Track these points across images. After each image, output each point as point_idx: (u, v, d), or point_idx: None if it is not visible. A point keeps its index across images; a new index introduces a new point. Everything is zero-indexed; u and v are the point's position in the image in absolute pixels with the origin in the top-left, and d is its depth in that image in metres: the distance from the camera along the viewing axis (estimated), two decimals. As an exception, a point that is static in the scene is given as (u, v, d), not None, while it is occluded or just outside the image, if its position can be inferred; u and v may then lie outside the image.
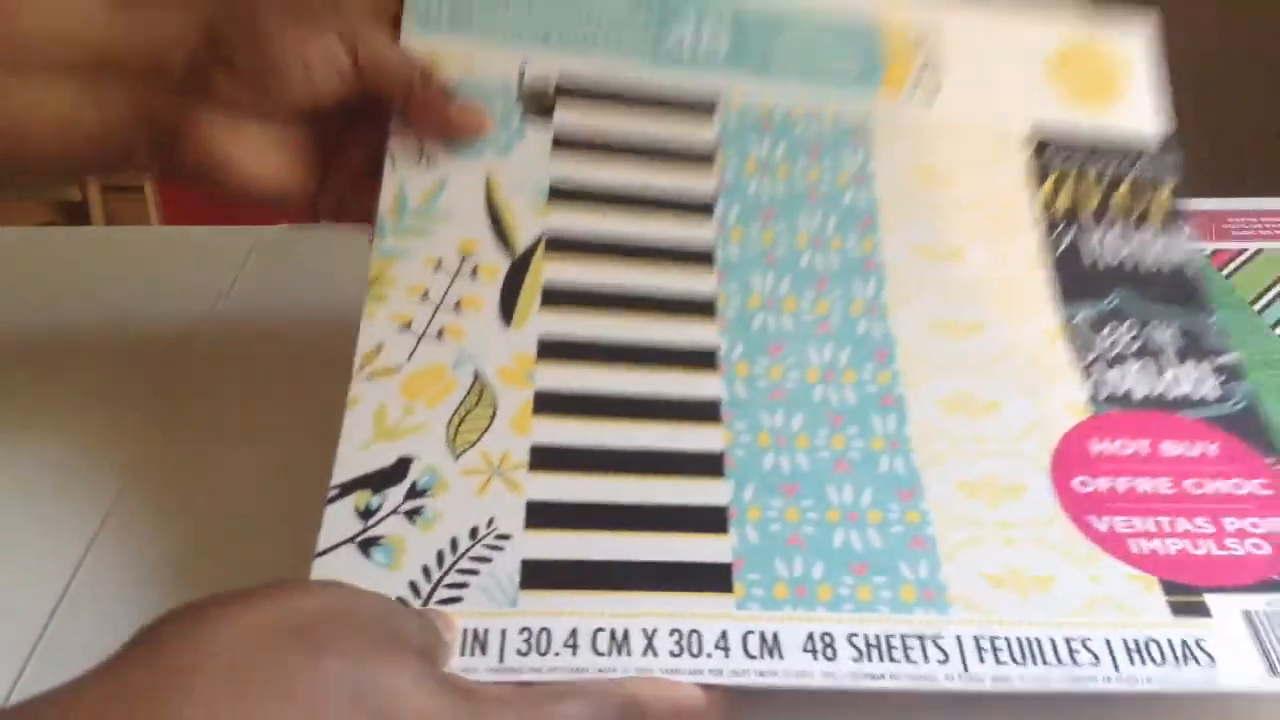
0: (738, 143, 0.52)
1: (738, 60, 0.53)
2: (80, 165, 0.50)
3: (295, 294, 0.64)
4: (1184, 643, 0.38)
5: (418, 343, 0.45)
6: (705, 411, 0.44)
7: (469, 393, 0.44)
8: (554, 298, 0.47)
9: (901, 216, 0.51)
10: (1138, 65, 0.57)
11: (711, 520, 0.41)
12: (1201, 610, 0.39)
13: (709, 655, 0.37)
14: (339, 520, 0.40)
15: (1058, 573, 0.40)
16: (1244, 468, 0.43)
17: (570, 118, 0.51)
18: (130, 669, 0.32)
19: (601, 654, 0.37)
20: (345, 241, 0.54)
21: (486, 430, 0.43)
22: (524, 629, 0.38)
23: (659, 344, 0.46)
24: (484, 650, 0.37)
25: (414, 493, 0.41)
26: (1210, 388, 0.47)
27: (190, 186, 0.50)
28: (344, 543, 0.40)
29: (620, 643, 0.37)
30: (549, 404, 0.44)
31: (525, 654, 0.37)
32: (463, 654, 0.37)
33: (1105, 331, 0.48)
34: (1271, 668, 0.37)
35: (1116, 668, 0.37)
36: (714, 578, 0.40)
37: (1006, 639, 0.38)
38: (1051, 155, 0.54)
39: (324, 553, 0.40)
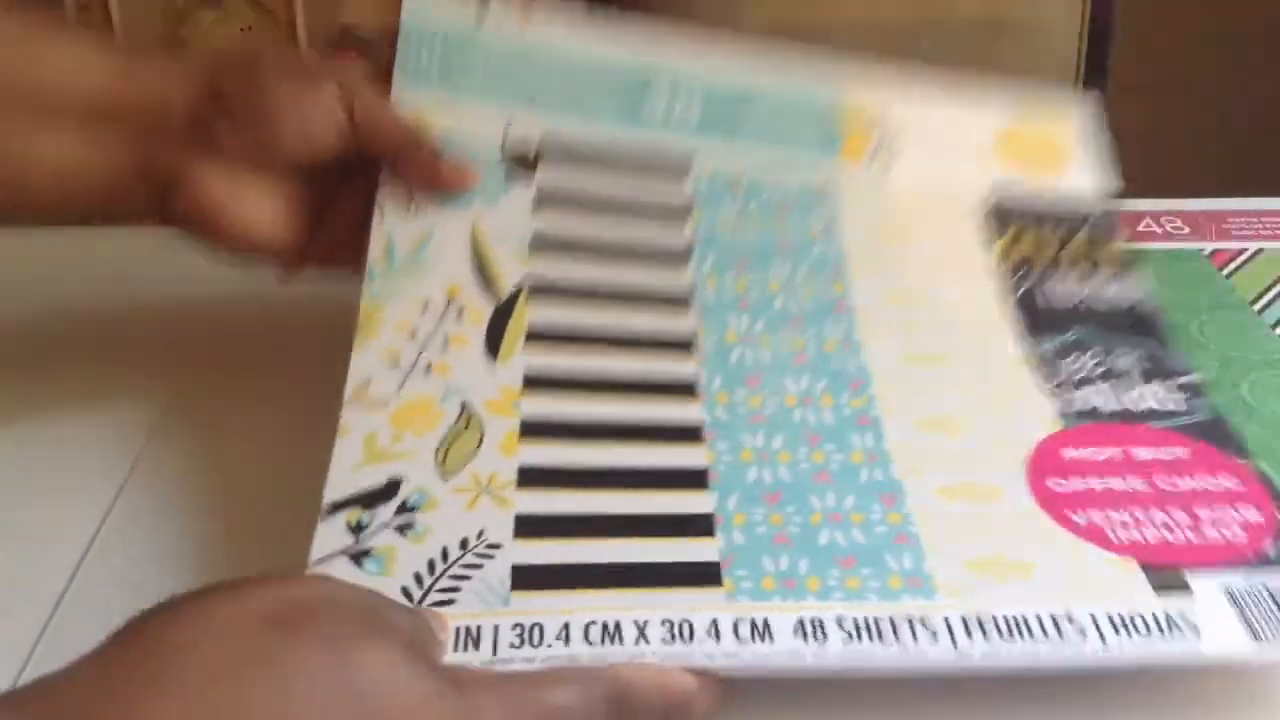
0: (710, 202, 0.55)
1: (708, 128, 0.57)
2: (78, 211, 0.51)
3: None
4: (1168, 615, 0.38)
5: (406, 378, 0.47)
6: (688, 434, 0.46)
7: (457, 421, 0.45)
8: (538, 337, 0.48)
9: (868, 266, 0.53)
10: (1078, 142, 0.61)
11: (698, 526, 0.42)
12: (1183, 586, 0.39)
13: (701, 642, 0.37)
14: (330, 535, 0.41)
15: (1039, 560, 0.40)
16: (1215, 468, 0.45)
17: (551, 176, 0.54)
18: (110, 662, 0.32)
19: (594, 644, 0.37)
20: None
21: (474, 454, 0.44)
22: (516, 624, 0.38)
23: (641, 376, 0.48)
24: (477, 646, 0.37)
25: (404, 509, 0.42)
26: (1176, 403, 0.48)
27: (184, 235, 0.51)
28: (335, 555, 0.40)
29: (612, 633, 0.38)
30: (535, 430, 0.45)
31: (518, 647, 0.37)
32: (456, 650, 0.37)
33: (1069, 359, 0.50)
34: (1255, 635, 0.38)
35: (1104, 641, 0.37)
36: (703, 575, 0.40)
37: (994, 617, 0.38)
38: (1005, 215, 0.57)
39: (315, 565, 0.40)
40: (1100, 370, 0.50)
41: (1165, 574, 0.40)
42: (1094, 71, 1.17)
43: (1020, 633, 0.38)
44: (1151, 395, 0.48)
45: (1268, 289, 0.62)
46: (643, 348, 0.49)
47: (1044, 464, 0.45)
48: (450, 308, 0.49)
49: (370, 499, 0.42)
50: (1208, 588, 0.39)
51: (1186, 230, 0.67)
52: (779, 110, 0.58)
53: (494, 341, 0.48)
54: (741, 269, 0.53)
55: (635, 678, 0.36)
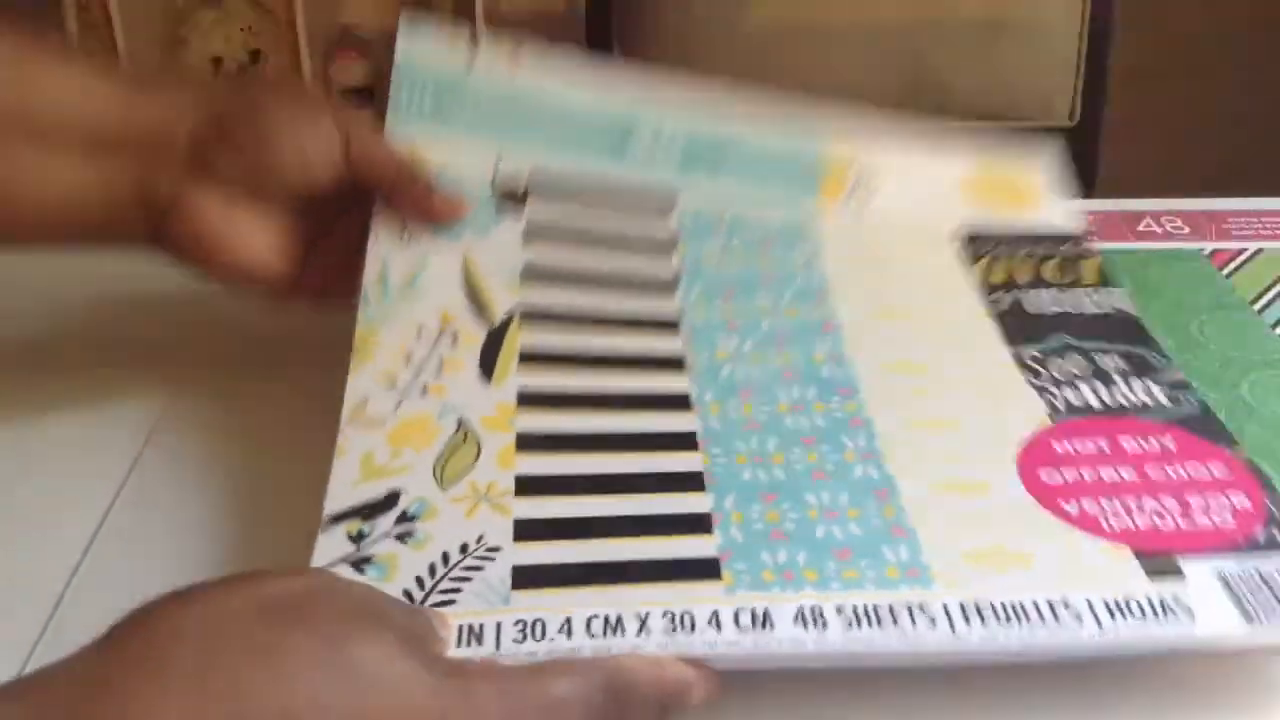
0: (695, 237, 0.57)
1: (690, 169, 0.59)
2: (74, 240, 0.52)
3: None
4: (1161, 599, 0.39)
5: (402, 398, 0.47)
6: (682, 441, 0.46)
7: (454, 436, 0.46)
8: (531, 359, 0.50)
9: (852, 290, 0.55)
10: (1044, 184, 0.63)
11: (696, 524, 0.43)
12: (1176, 572, 0.40)
13: (702, 631, 0.38)
14: (331, 545, 0.42)
15: (1035, 549, 0.41)
16: (1203, 456, 0.45)
17: (540, 210, 0.56)
18: (109, 655, 0.32)
19: (596, 636, 0.38)
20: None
21: (472, 466, 0.45)
22: (518, 621, 0.38)
23: (634, 392, 0.49)
24: (480, 642, 0.38)
25: (404, 519, 0.43)
26: (1163, 398, 0.49)
27: (178, 262, 0.52)
28: (336, 563, 0.41)
29: (614, 626, 0.38)
30: (531, 443, 0.46)
31: (521, 641, 0.38)
32: (459, 647, 0.38)
33: (1055, 361, 0.51)
34: (1248, 617, 0.38)
35: (1100, 625, 0.38)
36: (702, 569, 0.41)
37: (991, 604, 0.39)
38: (981, 244, 0.59)
39: None
40: (1086, 370, 0.51)
41: (1158, 560, 0.40)
42: (1094, 71, 1.17)
43: (1017, 618, 0.38)
44: (1138, 391, 0.49)
45: (1268, 289, 0.62)
46: (634, 367, 0.50)
47: (1035, 457, 0.45)
48: (444, 333, 0.50)
49: (369, 510, 0.43)
50: (1200, 572, 0.40)
51: (1186, 230, 0.68)
52: (758, 153, 0.61)
53: (488, 364, 0.49)
54: (728, 297, 0.54)
55: (633, 668, 0.37)
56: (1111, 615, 0.38)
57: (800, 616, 0.38)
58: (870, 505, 0.43)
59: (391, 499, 0.43)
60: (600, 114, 0.59)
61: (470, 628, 0.38)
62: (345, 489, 0.44)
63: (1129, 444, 0.46)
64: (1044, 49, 1.17)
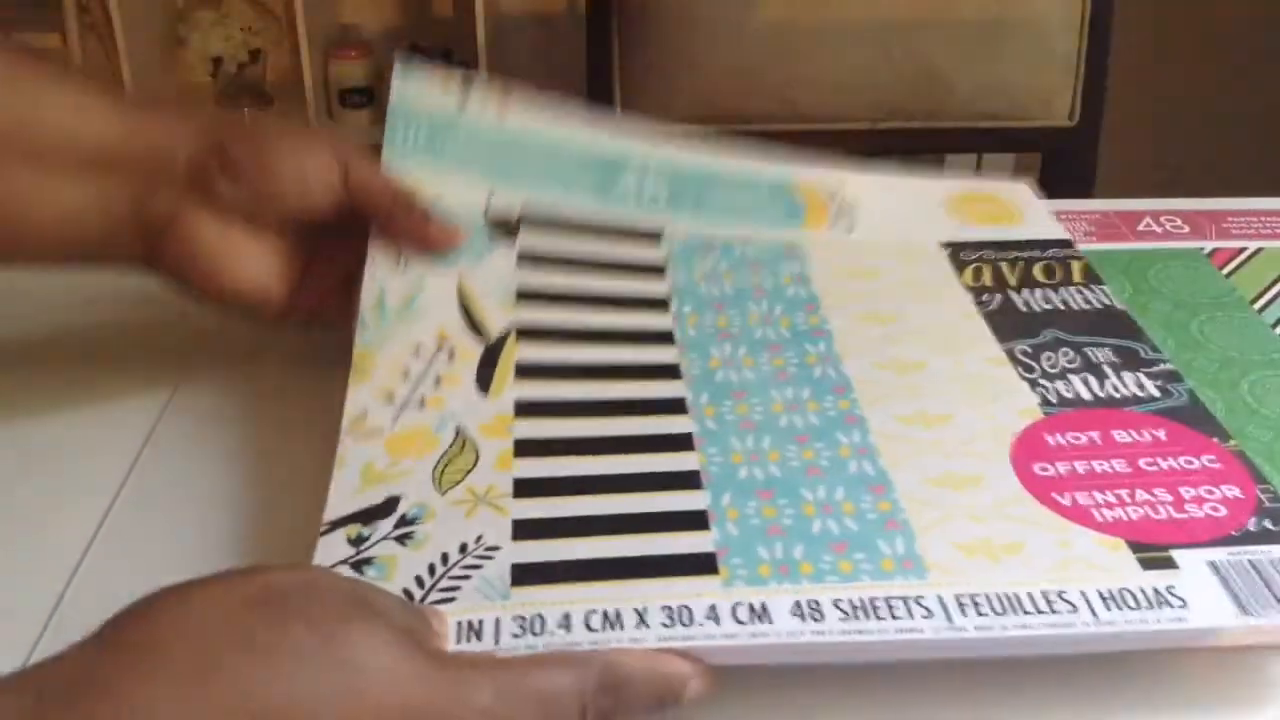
0: (684, 261, 0.58)
1: (677, 205, 0.61)
2: (71, 257, 0.52)
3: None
4: (1155, 590, 0.39)
5: (400, 411, 0.48)
6: (678, 442, 0.47)
7: (452, 445, 0.47)
8: (527, 372, 0.50)
9: (842, 301, 0.56)
10: (1027, 200, 0.65)
11: (692, 521, 0.43)
12: (1168, 563, 0.40)
13: (700, 625, 0.38)
14: (331, 548, 0.42)
15: (1027, 540, 0.41)
16: (1194, 448, 0.46)
17: (532, 238, 0.57)
18: (104, 648, 0.33)
19: (594, 630, 0.38)
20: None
21: (471, 471, 0.45)
22: (517, 616, 0.39)
23: (629, 398, 0.49)
24: (479, 637, 0.38)
25: (403, 522, 0.43)
26: (1153, 389, 0.49)
27: (172, 283, 0.53)
28: (337, 565, 0.41)
29: (613, 620, 0.38)
30: (529, 449, 0.46)
31: (520, 636, 0.38)
32: (458, 643, 0.38)
33: (1046, 356, 0.52)
34: (1241, 608, 0.38)
35: (1094, 614, 0.38)
36: (699, 564, 0.41)
37: (986, 595, 0.39)
38: (968, 251, 0.60)
39: None
40: (1077, 363, 0.51)
41: (1151, 551, 0.41)
42: (1094, 71, 1.18)
43: (1012, 609, 0.38)
44: (1129, 383, 0.50)
45: (1268, 289, 0.62)
46: (630, 376, 0.51)
47: (1028, 450, 0.46)
48: (441, 350, 0.51)
49: (369, 515, 0.43)
50: (1193, 563, 0.40)
51: (1186, 230, 0.68)
52: (742, 188, 0.63)
53: (485, 378, 0.50)
54: (720, 310, 0.55)
55: (628, 662, 0.37)
56: (1106, 606, 0.38)
57: (798, 609, 0.39)
58: (865, 500, 0.43)
59: (391, 504, 0.44)
60: (588, 154, 0.62)
61: (469, 624, 0.38)
62: (345, 497, 0.44)
63: (1121, 436, 0.46)
64: (1044, 49, 1.17)
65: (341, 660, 0.33)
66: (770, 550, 0.41)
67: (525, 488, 0.44)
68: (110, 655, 0.32)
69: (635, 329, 0.53)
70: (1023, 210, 0.64)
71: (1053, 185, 1.22)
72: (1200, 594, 0.39)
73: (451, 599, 0.40)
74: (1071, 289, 0.57)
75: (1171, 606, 0.38)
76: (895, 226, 0.62)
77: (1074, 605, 0.38)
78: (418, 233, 0.55)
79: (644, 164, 0.62)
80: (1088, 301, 0.56)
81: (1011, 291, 0.57)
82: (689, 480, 0.45)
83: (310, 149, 0.52)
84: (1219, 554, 0.40)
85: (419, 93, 0.60)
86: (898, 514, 0.43)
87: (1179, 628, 0.38)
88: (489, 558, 0.41)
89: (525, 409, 0.48)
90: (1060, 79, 1.18)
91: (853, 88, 1.17)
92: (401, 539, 0.42)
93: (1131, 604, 0.39)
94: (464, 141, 0.60)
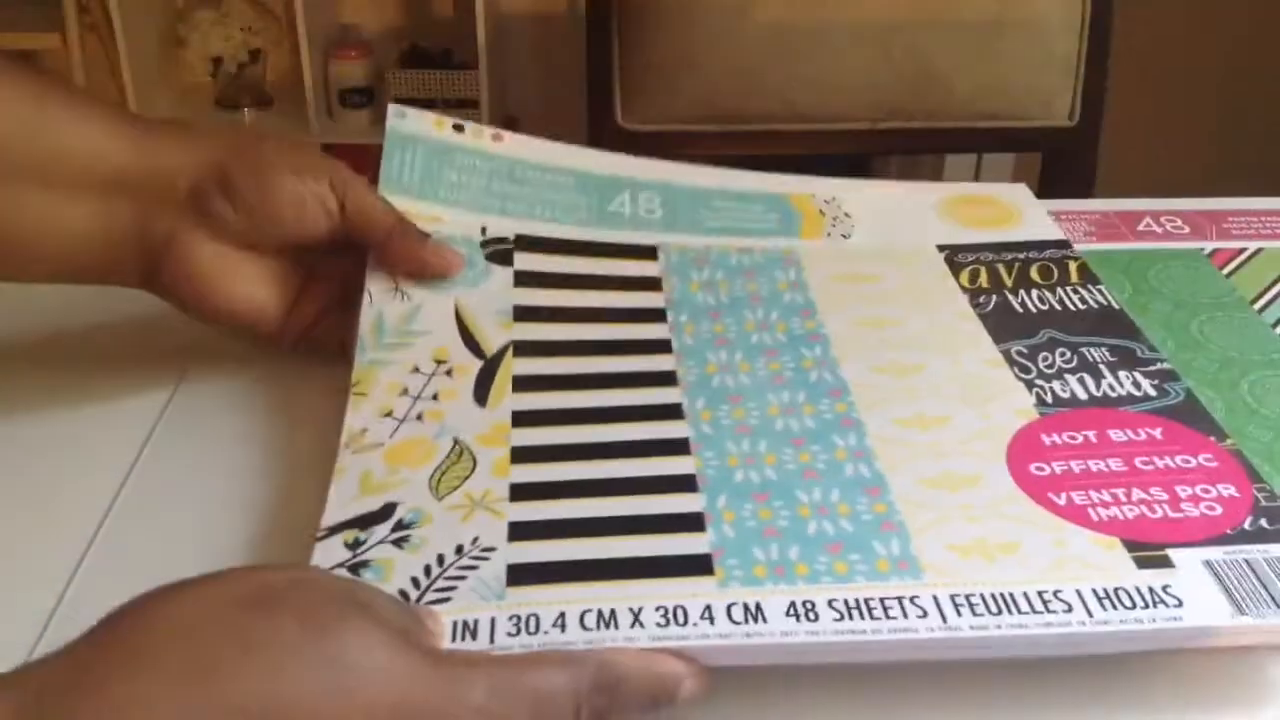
0: (680, 273, 0.58)
1: (671, 224, 0.61)
2: (72, 275, 0.53)
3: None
4: (1150, 589, 0.39)
5: (400, 424, 0.48)
6: (674, 447, 0.47)
7: (449, 454, 0.47)
8: (524, 384, 0.50)
9: (838, 306, 0.56)
10: (1028, 201, 0.65)
11: (688, 523, 0.43)
12: (1164, 562, 0.40)
13: (695, 625, 0.38)
14: (329, 552, 0.42)
15: (1023, 540, 0.41)
16: (1190, 446, 0.46)
17: (529, 261, 0.58)
18: (95, 649, 0.33)
19: (589, 629, 0.38)
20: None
21: (468, 478, 0.45)
22: (513, 615, 0.39)
23: (625, 405, 0.49)
24: (474, 636, 0.38)
25: (400, 526, 0.43)
26: (1149, 388, 0.49)
27: (170, 301, 0.53)
28: (334, 568, 0.41)
29: (608, 620, 0.38)
30: (526, 455, 0.47)
31: (515, 635, 0.38)
32: (454, 642, 0.38)
33: (1042, 356, 0.52)
34: (1238, 607, 0.38)
35: (1089, 614, 0.38)
36: (695, 565, 0.41)
37: (981, 595, 0.39)
38: (964, 254, 0.60)
39: None
40: (1073, 363, 0.51)
41: (1147, 550, 0.41)
42: (1094, 71, 1.18)
43: (1007, 608, 0.38)
44: (1125, 382, 0.50)
45: (1268, 289, 0.62)
46: (627, 384, 0.51)
47: (1024, 450, 0.46)
48: (439, 368, 0.51)
49: (366, 520, 0.43)
50: (1189, 562, 0.40)
51: (1186, 230, 0.68)
52: (734, 204, 0.63)
53: (482, 392, 0.50)
54: (716, 318, 0.55)
55: (623, 661, 0.37)
56: (1101, 605, 0.38)
57: (792, 609, 0.39)
58: (861, 501, 0.43)
59: (388, 509, 0.44)
60: (582, 176, 0.63)
61: (465, 623, 0.38)
62: (343, 504, 0.44)
63: (1117, 435, 0.46)
64: (1044, 49, 1.17)
65: (335, 658, 0.33)
66: (766, 551, 0.41)
67: (522, 492, 0.45)
68: (104, 654, 0.32)
69: (632, 339, 0.54)
70: (1022, 212, 0.64)
71: (1053, 185, 1.22)
72: (1196, 593, 0.39)
73: (447, 599, 0.40)
74: (1068, 289, 0.57)
75: (1167, 606, 0.38)
76: (891, 232, 0.62)
77: (1069, 605, 0.39)
78: (415, 258, 0.55)
79: (638, 182, 0.63)
80: (1084, 301, 0.56)
81: (1008, 293, 0.57)
82: (685, 483, 0.45)
83: (309, 175, 0.53)
84: (1215, 553, 0.40)
85: (413, 130, 0.61)
86: (893, 515, 0.43)
87: (1175, 627, 0.38)
88: (485, 559, 0.41)
89: (522, 419, 0.49)
90: (1060, 79, 1.18)
91: (853, 88, 1.17)
92: (398, 542, 0.42)
93: (1127, 603, 0.39)
94: (458, 172, 0.61)
